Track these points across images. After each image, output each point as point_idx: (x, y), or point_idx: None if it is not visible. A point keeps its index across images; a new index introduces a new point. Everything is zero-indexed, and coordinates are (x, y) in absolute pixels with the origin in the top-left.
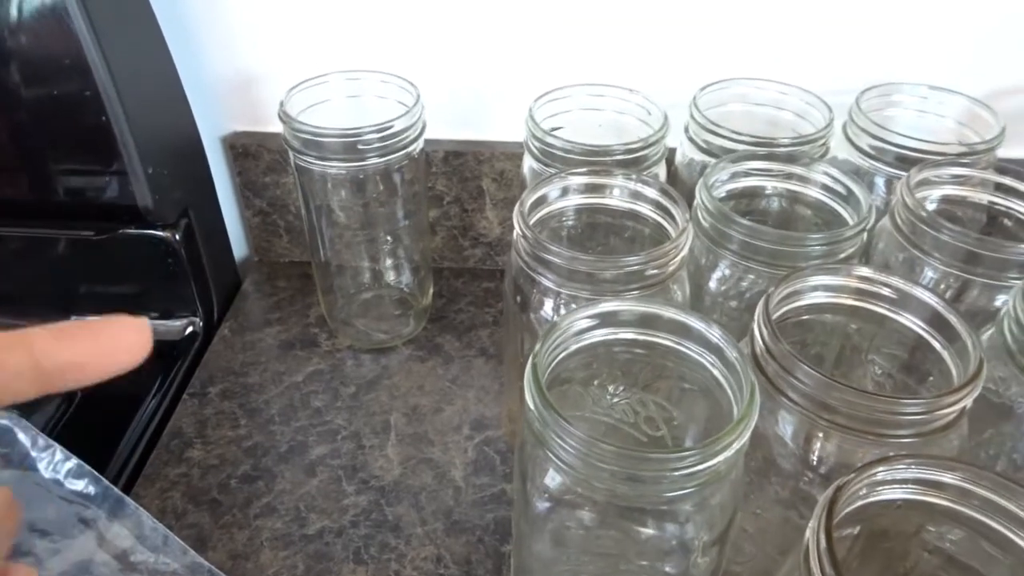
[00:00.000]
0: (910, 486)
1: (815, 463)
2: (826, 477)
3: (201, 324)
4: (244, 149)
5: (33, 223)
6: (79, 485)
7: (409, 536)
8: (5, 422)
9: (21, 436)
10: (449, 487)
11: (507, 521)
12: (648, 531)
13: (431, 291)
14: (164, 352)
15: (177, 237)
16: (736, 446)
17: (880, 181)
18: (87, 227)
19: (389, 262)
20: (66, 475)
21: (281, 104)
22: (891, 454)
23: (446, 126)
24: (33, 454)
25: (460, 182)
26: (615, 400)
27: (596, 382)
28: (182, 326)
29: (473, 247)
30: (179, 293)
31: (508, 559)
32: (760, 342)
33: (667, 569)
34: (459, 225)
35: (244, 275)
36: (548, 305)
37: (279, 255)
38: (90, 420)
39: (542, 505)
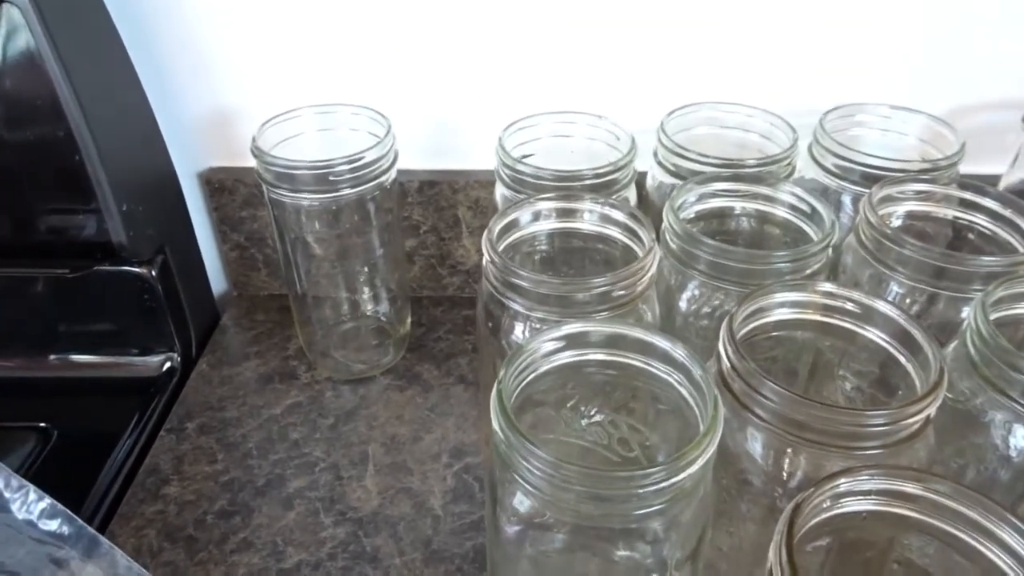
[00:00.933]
0: (874, 497)
1: (785, 479)
2: (797, 492)
3: (179, 359)
4: (220, 184)
5: (8, 262)
6: (52, 525)
7: (388, 567)
8: None
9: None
10: (428, 516)
11: (485, 549)
12: (620, 552)
13: (409, 320)
14: (141, 389)
15: (153, 273)
16: (700, 461)
17: (847, 199)
18: (63, 265)
19: (367, 292)
20: (39, 515)
21: (253, 139)
22: (854, 466)
23: (420, 156)
24: (6, 495)
25: (436, 211)
26: (588, 422)
27: (569, 404)
28: (159, 362)
29: (451, 275)
30: (157, 329)
31: None
32: (726, 360)
33: None
34: (436, 254)
35: (223, 309)
36: (519, 329)
37: (258, 288)
38: (66, 458)
39: (512, 529)
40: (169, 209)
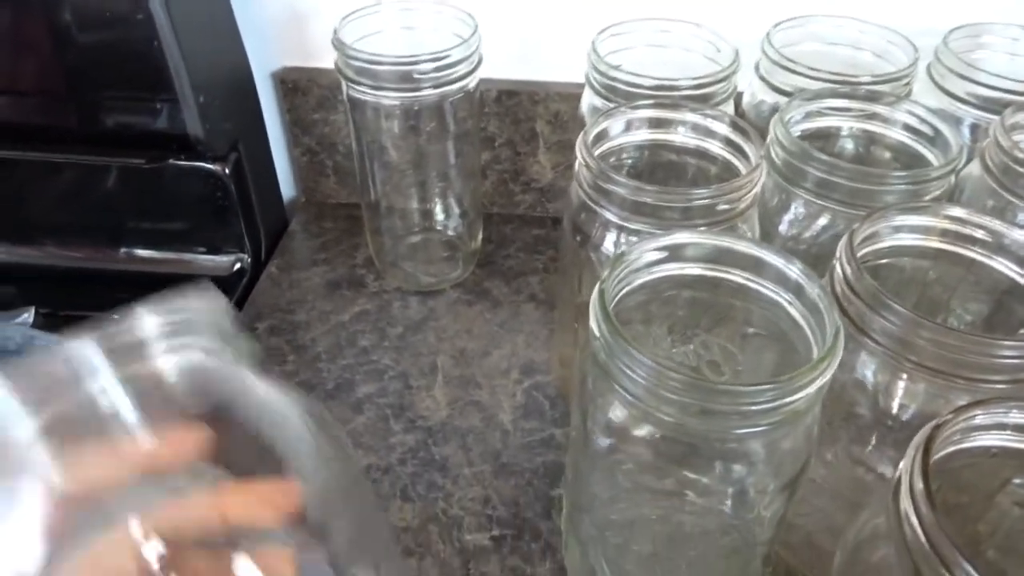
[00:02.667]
0: (1009, 433)
1: (896, 410)
2: (907, 426)
3: (249, 261)
4: (294, 84)
5: (86, 151)
6: None
7: (456, 476)
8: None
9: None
10: (497, 430)
11: (556, 466)
12: (714, 472)
13: (480, 235)
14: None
15: (227, 171)
16: (816, 385)
17: (965, 126)
18: (138, 156)
19: (439, 204)
20: None
21: (335, 32)
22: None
23: (501, 64)
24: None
25: (513, 123)
26: (678, 342)
27: (660, 322)
28: (230, 262)
29: (524, 192)
30: (227, 228)
31: (557, 502)
32: (842, 278)
33: (729, 514)
34: (510, 169)
35: (291, 215)
36: (609, 240)
37: (326, 196)
38: None
39: (604, 442)
40: (244, 106)
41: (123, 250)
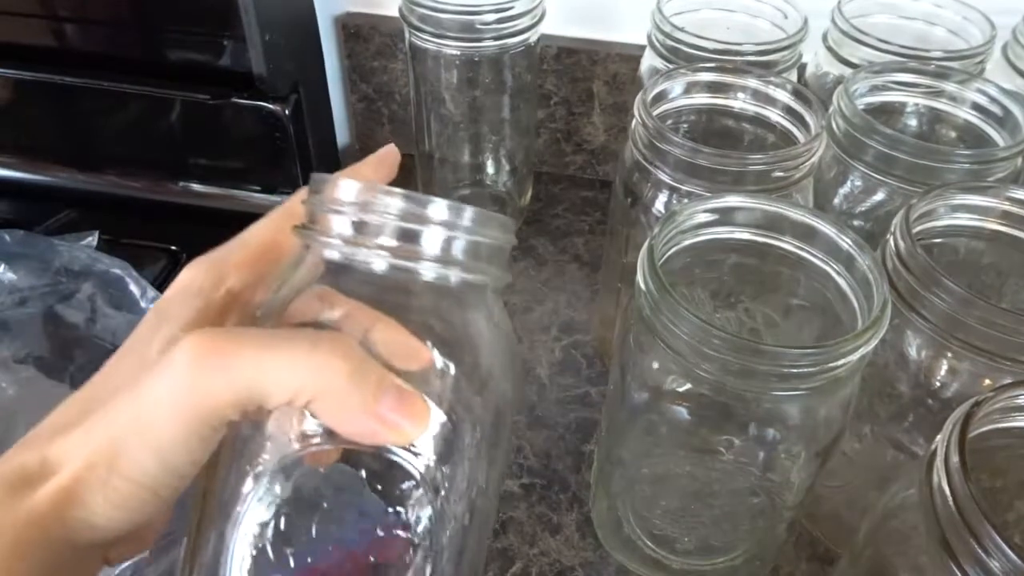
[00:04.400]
0: None
1: (938, 388)
2: (947, 405)
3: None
4: (356, 29)
5: (151, 83)
6: None
7: None
8: (118, 271)
9: (132, 287)
10: (534, 383)
11: (589, 422)
12: (749, 433)
13: (529, 193)
14: None
15: (286, 112)
16: (859, 353)
17: None
18: (203, 91)
19: (490, 159)
20: None
21: None
22: None
23: (563, 21)
24: (143, 304)
25: (570, 82)
26: (720, 307)
27: (701, 288)
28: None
29: (575, 153)
30: (283, 169)
31: (588, 457)
32: (894, 252)
33: (758, 475)
34: (563, 129)
35: (344, 163)
36: (660, 202)
37: (379, 145)
38: None
39: (640, 396)
40: (306, 49)
41: (181, 183)
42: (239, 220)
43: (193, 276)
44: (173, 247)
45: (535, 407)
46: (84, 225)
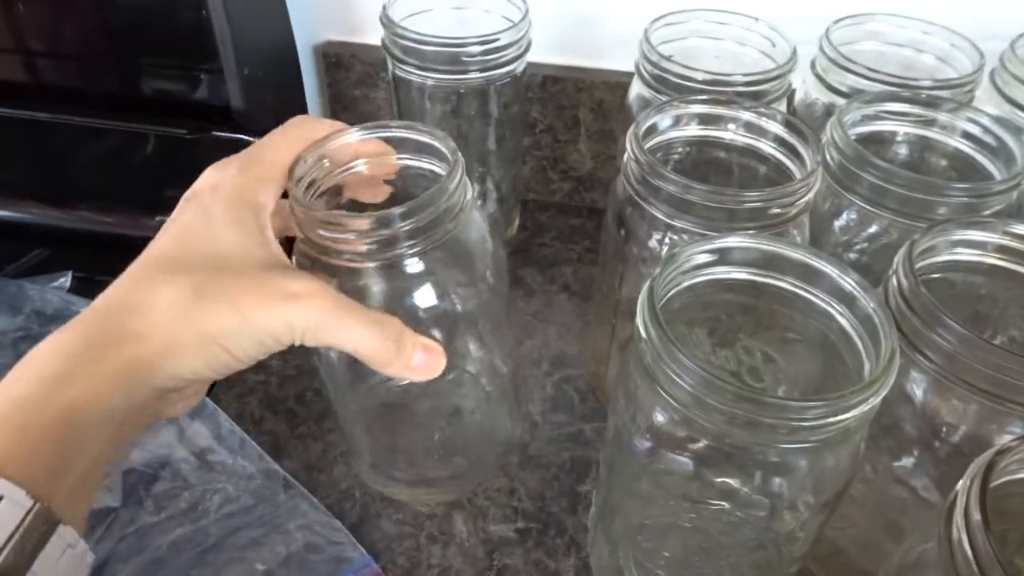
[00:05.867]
0: None
1: (944, 432)
2: (954, 447)
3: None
4: (337, 59)
5: (127, 118)
6: None
7: None
8: None
9: None
10: (526, 421)
11: (584, 461)
12: (753, 484)
13: (517, 222)
14: None
15: None
16: (868, 404)
17: None
18: (180, 126)
19: (477, 189)
20: None
21: (384, 8)
22: None
23: (548, 48)
24: None
25: (556, 109)
26: (718, 345)
27: (700, 325)
28: None
29: (562, 180)
30: None
31: (584, 498)
32: (897, 291)
33: (765, 527)
34: (549, 156)
35: None
36: (654, 238)
37: None
38: None
39: (643, 445)
40: (286, 80)
41: (158, 218)
42: None
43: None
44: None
45: (528, 446)
46: (57, 264)
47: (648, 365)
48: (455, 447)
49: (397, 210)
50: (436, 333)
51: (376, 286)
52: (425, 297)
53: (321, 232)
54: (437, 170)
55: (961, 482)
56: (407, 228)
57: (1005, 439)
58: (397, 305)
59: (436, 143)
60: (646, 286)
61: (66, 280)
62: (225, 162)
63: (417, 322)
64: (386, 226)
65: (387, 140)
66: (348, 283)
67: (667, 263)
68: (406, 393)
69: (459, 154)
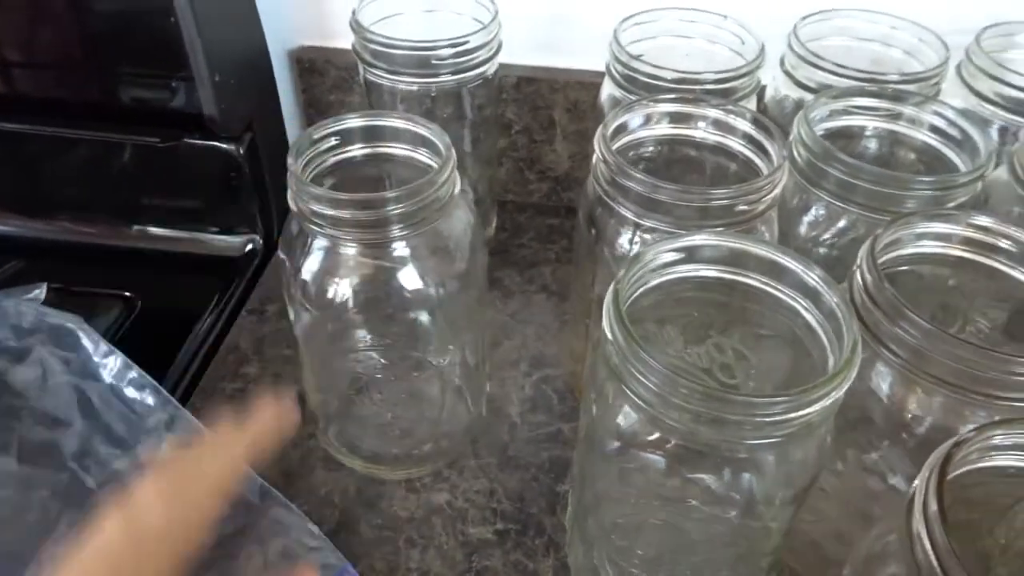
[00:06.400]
0: None
1: (911, 423)
2: (921, 438)
3: (261, 242)
4: (311, 64)
5: (101, 127)
6: (137, 394)
7: (462, 468)
8: (70, 325)
9: (84, 341)
10: (505, 423)
11: (563, 461)
12: (723, 481)
13: (494, 223)
14: (223, 268)
15: (241, 151)
16: (831, 398)
17: (994, 129)
18: (153, 134)
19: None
20: (127, 384)
21: (353, 12)
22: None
23: (522, 50)
24: (96, 359)
25: (531, 110)
26: (690, 343)
27: (674, 323)
28: (242, 243)
29: (539, 180)
30: (240, 209)
31: (563, 498)
32: (861, 286)
33: (736, 522)
34: (526, 157)
35: None
36: (624, 237)
37: None
38: (150, 329)
39: (612, 445)
40: (259, 86)
41: (136, 227)
42: (196, 263)
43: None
44: (128, 293)
45: (507, 447)
46: (32, 276)
47: (615, 365)
48: (412, 428)
49: (389, 194)
50: (412, 316)
51: (361, 264)
52: (408, 279)
53: (314, 207)
54: (429, 162)
55: (920, 474)
56: (397, 212)
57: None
58: (379, 285)
59: (432, 136)
60: (611, 287)
61: (41, 292)
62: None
63: (397, 303)
64: (376, 208)
65: (385, 129)
66: (336, 257)
67: (632, 263)
68: (384, 368)
69: (452, 149)
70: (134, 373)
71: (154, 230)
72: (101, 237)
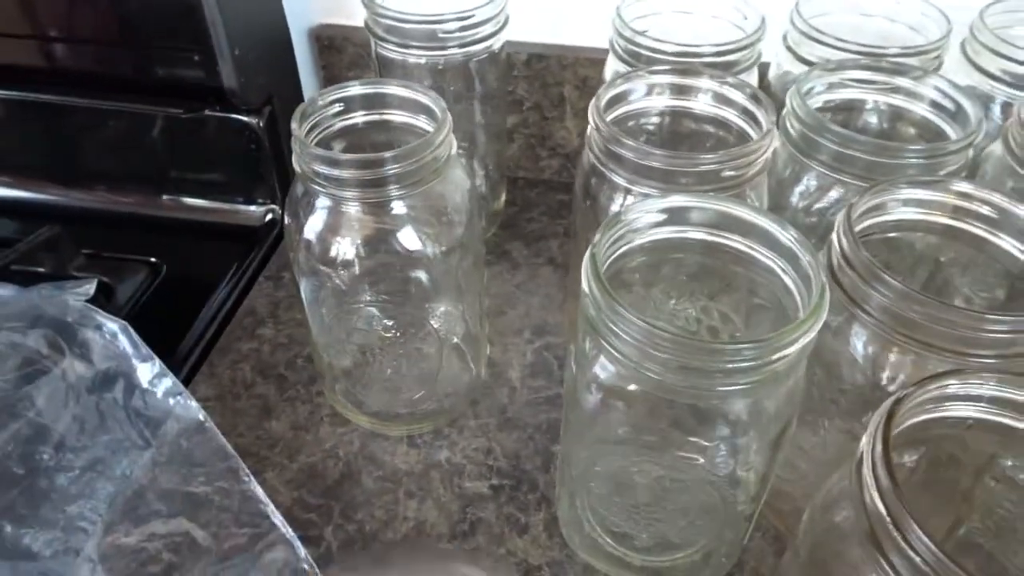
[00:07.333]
0: (985, 405)
1: (886, 382)
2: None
3: (280, 212)
4: (329, 41)
5: (130, 99)
6: (171, 401)
7: (462, 427)
8: (113, 326)
9: (123, 342)
10: (505, 386)
11: (559, 423)
12: (695, 429)
13: (503, 197)
14: (244, 236)
15: (260, 124)
16: (797, 345)
17: (997, 104)
18: (178, 106)
19: (463, 165)
20: (163, 393)
21: None
22: (967, 367)
23: (532, 27)
24: (134, 362)
25: (541, 87)
26: (677, 307)
27: (660, 286)
28: (262, 213)
29: (550, 157)
30: (260, 180)
31: (556, 457)
32: (838, 250)
33: (710, 470)
34: (537, 134)
35: None
36: (617, 204)
37: None
38: (173, 292)
39: (592, 398)
40: (279, 62)
41: (165, 197)
42: (219, 231)
43: None
44: (153, 259)
45: (506, 409)
46: (67, 241)
47: (591, 318)
48: (412, 386)
49: (387, 154)
50: (411, 275)
51: (362, 223)
52: (407, 239)
53: (316, 168)
54: (429, 128)
55: (869, 425)
56: (394, 171)
57: None
58: (379, 244)
59: (428, 102)
60: (589, 249)
61: (91, 287)
62: None
63: (396, 262)
64: (375, 167)
65: (384, 95)
66: (338, 216)
67: (612, 222)
68: (384, 327)
69: (448, 113)
70: (169, 381)
71: (182, 200)
72: (135, 206)
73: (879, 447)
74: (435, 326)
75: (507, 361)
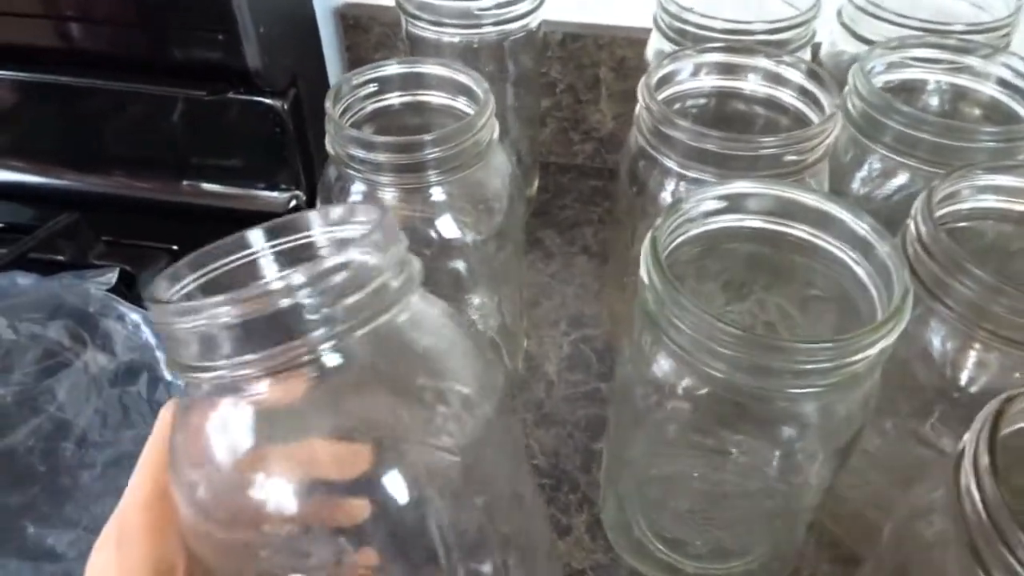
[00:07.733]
0: None
1: (965, 382)
2: (974, 400)
3: (304, 199)
4: (355, 20)
5: (147, 81)
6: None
7: None
8: (136, 316)
9: (146, 332)
10: (542, 380)
11: (599, 419)
12: (760, 432)
13: (536, 183)
14: None
15: (285, 106)
16: (878, 347)
17: None
18: (200, 88)
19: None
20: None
21: None
22: None
23: (568, 6)
24: (158, 353)
25: (576, 68)
26: (732, 300)
27: (715, 278)
28: (286, 199)
29: (583, 142)
30: (284, 165)
31: (597, 456)
32: (916, 238)
33: (773, 477)
34: (570, 117)
35: None
36: (667, 190)
37: None
38: None
39: (648, 396)
40: (304, 42)
41: (186, 183)
42: (242, 218)
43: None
44: (175, 247)
45: (543, 404)
46: (86, 228)
47: (651, 312)
48: None
49: (426, 137)
50: (448, 265)
51: (399, 210)
52: (445, 228)
53: (351, 151)
54: (468, 110)
55: (971, 428)
56: (434, 156)
57: None
58: (416, 232)
59: (469, 82)
60: (650, 233)
61: (112, 276)
62: None
63: (433, 251)
64: (413, 151)
65: (421, 75)
66: (373, 203)
67: (672, 209)
68: None
69: (491, 95)
70: None
71: (204, 186)
72: (149, 192)
73: (984, 457)
74: (471, 317)
75: (543, 354)
